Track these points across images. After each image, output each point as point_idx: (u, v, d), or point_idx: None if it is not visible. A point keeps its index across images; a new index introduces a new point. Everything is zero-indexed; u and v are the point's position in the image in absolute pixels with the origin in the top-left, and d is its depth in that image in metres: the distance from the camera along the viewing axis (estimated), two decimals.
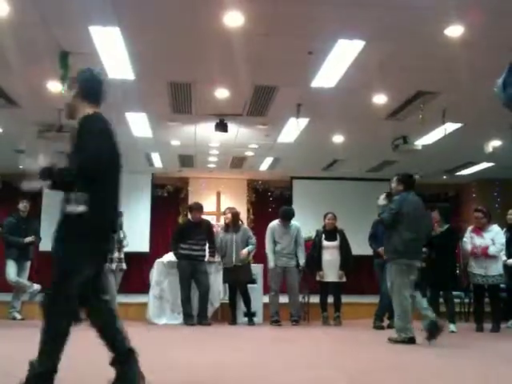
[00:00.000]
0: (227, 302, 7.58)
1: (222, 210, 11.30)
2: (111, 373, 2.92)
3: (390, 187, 6.04)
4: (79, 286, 2.71)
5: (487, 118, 6.99)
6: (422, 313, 5.36)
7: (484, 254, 6.71)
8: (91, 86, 3.01)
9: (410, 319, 5.36)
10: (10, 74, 5.63)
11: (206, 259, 7.42)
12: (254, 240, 7.48)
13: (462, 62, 5.21)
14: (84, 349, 3.81)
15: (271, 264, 7.31)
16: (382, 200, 5.83)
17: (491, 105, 6.37)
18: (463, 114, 6.97)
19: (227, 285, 7.58)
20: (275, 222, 7.53)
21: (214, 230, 8.33)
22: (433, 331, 5.18)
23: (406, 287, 5.37)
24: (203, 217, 7.74)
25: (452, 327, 6.63)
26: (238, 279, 7.29)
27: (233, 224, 7.47)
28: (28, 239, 7.59)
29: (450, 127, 7.40)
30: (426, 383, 3.66)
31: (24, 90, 6.16)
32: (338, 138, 8.38)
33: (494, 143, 8.28)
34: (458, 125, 7.43)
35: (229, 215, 7.51)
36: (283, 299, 7.48)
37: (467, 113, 6.93)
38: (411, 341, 5.24)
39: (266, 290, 7.93)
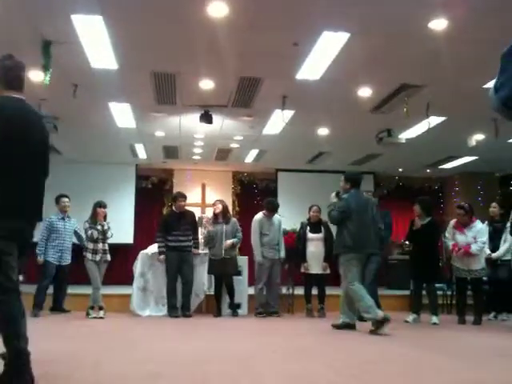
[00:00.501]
0: (212, 293, 7.58)
1: (207, 201, 11.32)
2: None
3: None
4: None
5: (471, 111, 7.05)
6: (356, 304, 5.77)
7: (466, 254, 6.75)
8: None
9: (354, 307, 5.81)
10: None
11: (195, 247, 7.43)
12: (240, 234, 7.47)
13: (446, 55, 5.25)
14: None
15: (259, 257, 7.30)
16: (332, 198, 6.09)
17: (475, 98, 6.48)
18: (447, 107, 7.02)
19: (211, 276, 7.58)
20: (260, 215, 7.53)
21: (204, 221, 8.33)
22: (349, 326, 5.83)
23: (354, 278, 5.77)
24: (187, 208, 7.71)
25: (434, 319, 6.69)
26: (224, 271, 7.28)
27: (223, 216, 7.46)
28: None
29: (434, 120, 7.45)
30: (408, 376, 3.70)
31: None
32: (323, 131, 8.40)
33: (478, 137, 8.35)
34: (442, 118, 7.49)
35: (219, 206, 7.48)
36: None
37: (451, 106, 6.98)
38: (352, 326, 5.81)
39: (251, 282, 7.95)
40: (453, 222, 7.09)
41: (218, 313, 7.32)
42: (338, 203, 5.93)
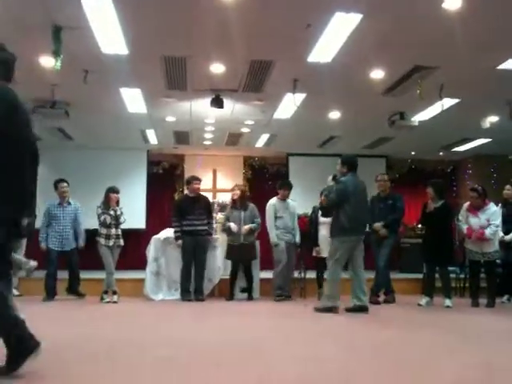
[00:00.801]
0: (224, 278, 7.62)
1: (218, 187, 11.35)
2: None
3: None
4: None
5: (485, 93, 6.95)
6: (325, 286, 6.17)
7: (480, 239, 6.71)
8: None
9: (337, 290, 5.96)
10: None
11: (209, 233, 7.45)
12: (259, 220, 7.47)
13: (460, 35, 5.16)
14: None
15: (274, 239, 7.30)
16: (329, 181, 6.24)
17: (489, 80, 6.39)
18: (461, 89, 6.92)
19: (227, 261, 7.60)
20: (274, 199, 7.53)
21: (216, 206, 8.39)
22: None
23: (340, 263, 5.97)
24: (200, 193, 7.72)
25: (448, 302, 6.68)
26: (243, 257, 7.30)
27: (241, 201, 7.46)
28: (24, 222, 7.55)
29: (447, 102, 7.35)
30: (421, 357, 3.70)
31: (16, 65, 6.06)
32: (335, 114, 8.33)
33: (491, 119, 8.25)
34: (456, 100, 7.39)
35: (237, 192, 7.49)
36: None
37: (465, 88, 6.88)
38: (334, 310, 5.85)
39: (263, 267, 7.97)
40: (466, 204, 7.04)
41: (230, 297, 7.36)
42: (335, 186, 6.02)
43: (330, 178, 6.32)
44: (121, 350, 3.83)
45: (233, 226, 7.24)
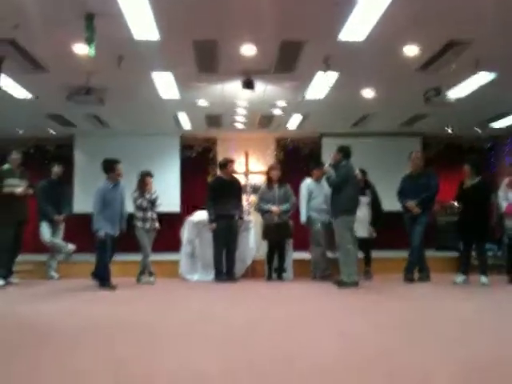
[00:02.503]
0: (258, 259, 7.71)
1: (251, 169, 11.37)
2: None
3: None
4: None
5: None
6: (341, 266, 6.53)
7: None
8: None
9: (354, 266, 6.53)
10: (35, 37, 5.64)
11: (240, 217, 7.52)
12: (294, 199, 7.50)
13: (495, 7, 5.00)
14: None
15: (304, 219, 7.35)
16: (327, 168, 6.87)
17: None
18: (497, 63, 6.72)
19: (260, 243, 7.68)
20: (309, 180, 7.56)
21: (248, 188, 8.53)
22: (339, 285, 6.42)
23: (349, 241, 6.54)
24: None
25: (484, 280, 6.61)
26: (278, 236, 7.35)
27: (279, 181, 7.51)
28: (58, 218, 7.77)
29: (484, 78, 7.16)
30: (455, 332, 3.69)
31: (51, 53, 6.20)
32: (368, 93, 8.21)
33: None
34: (492, 75, 7.18)
35: (278, 172, 7.54)
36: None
37: (501, 61, 6.68)
38: (355, 284, 6.40)
39: (296, 247, 8.02)
40: (506, 180, 6.93)
41: (269, 277, 7.44)
42: (337, 171, 6.66)
43: (327, 165, 6.90)
44: (159, 327, 3.95)
45: (274, 208, 7.31)
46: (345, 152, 6.79)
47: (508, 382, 2.54)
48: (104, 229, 6.58)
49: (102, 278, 6.61)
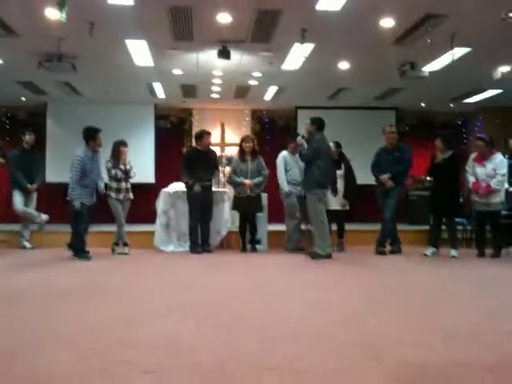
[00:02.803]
0: (233, 230, 7.75)
1: (226, 141, 11.32)
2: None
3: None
4: None
5: (496, 41, 6.80)
6: (316, 240, 6.55)
7: (487, 193, 6.71)
8: None
9: (328, 239, 6.62)
10: (6, 1, 5.46)
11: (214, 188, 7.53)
12: (266, 172, 7.50)
13: None
14: None
15: (285, 188, 7.34)
16: (299, 140, 6.82)
17: (501, 29, 6.23)
18: (472, 37, 6.75)
19: (234, 213, 7.70)
20: (285, 152, 7.55)
21: (224, 159, 8.50)
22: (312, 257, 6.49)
23: (322, 214, 6.56)
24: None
25: (453, 252, 6.76)
26: (249, 209, 7.38)
27: (252, 153, 7.48)
28: (31, 187, 7.66)
29: (458, 52, 7.20)
30: (427, 302, 3.79)
31: (21, 17, 6.01)
32: (344, 65, 8.20)
33: (503, 68, 8.09)
34: (466, 49, 7.23)
35: (250, 144, 7.49)
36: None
37: (476, 37, 6.72)
38: (329, 256, 6.46)
39: (271, 219, 8.09)
40: (473, 155, 7.04)
41: (243, 248, 7.50)
42: (309, 144, 6.59)
43: (300, 137, 6.82)
44: (132, 293, 3.97)
45: (247, 182, 7.33)
46: (318, 124, 6.70)
47: (466, 347, 2.63)
48: (80, 199, 6.40)
49: (77, 248, 6.49)
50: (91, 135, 6.57)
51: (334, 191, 7.27)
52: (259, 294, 4.12)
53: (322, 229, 6.52)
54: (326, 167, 6.59)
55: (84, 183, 6.46)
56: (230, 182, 7.62)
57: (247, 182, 7.33)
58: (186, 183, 7.37)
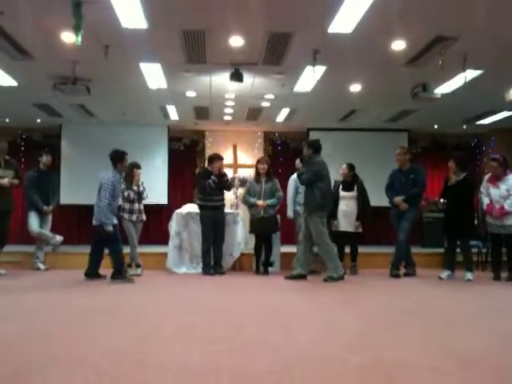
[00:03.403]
0: (246, 252, 7.72)
1: (239, 162, 11.36)
2: None
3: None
4: None
5: (508, 63, 6.79)
6: (327, 262, 6.53)
7: (501, 215, 6.64)
8: None
9: (337, 259, 6.60)
10: (22, 24, 5.56)
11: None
12: (281, 193, 7.51)
13: (483, 3, 5.03)
14: None
15: (290, 213, 7.40)
16: (298, 163, 6.97)
17: None
18: (484, 59, 6.76)
19: (247, 235, 7.69)
20: (295, 175, 7.54)
21: (237, 181, 8.58)
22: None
23: (325, 235, 6.55)
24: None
25: (469, 275, 6.66)
26: (264, 230, 7.36)
27: (267, 175, 7.51)
28: (47, 209, 7.71)
29: (471, 74, 7.20)
30: (442, 324, 3.73)
31: (37, 40, 6.13)
32: (356, 87, 8.24)
33: None
34: (479, 71, 7.23)
35: (265, 166, 7.52)
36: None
37: (488, 58, 6.73)
38: (341, 278, 6.41)
39: (284, 241, 8.05)
40: (487, 176, 6.99)
41: (257, 270, 7.45)
42: (310, 167, 6.58)
43: (298, 161, 6.91)
44: (145, 317, 3.94)
45: (260, 203, 7.35)
46: (314, 147, 6.70)
47: (482, 373, 2.57)
48: (112, 222, 6.36)
49: (120, 270, 6.39)
50: (119, 158, 6.56)
51: (333, 216, 7.30)
52: (271, 316, 4.07)
53: (328, 250, 6.51)
54: (327, 190, 6.64)
55: (112, 207, 6.45)
56: (244, 202, 7.64)
57: (260, 202, 7.33)
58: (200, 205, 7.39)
